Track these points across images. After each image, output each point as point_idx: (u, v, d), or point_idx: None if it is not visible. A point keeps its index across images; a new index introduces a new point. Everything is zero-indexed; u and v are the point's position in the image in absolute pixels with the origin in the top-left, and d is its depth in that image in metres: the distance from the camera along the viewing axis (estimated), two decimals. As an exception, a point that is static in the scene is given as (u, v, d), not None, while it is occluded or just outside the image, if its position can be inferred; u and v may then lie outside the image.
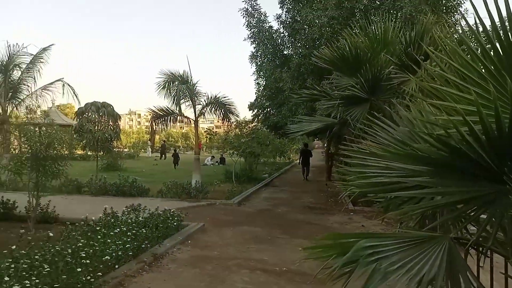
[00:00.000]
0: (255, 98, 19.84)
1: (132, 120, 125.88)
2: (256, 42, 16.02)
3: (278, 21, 15.77)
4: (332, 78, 8.27)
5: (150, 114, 16.10)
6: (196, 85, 14.68)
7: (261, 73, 17.25)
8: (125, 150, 41.30)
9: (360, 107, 7.16)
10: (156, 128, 15.26)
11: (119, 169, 21.82)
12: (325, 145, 44.20)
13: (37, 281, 4.13)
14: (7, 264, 4.46)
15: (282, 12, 15.67)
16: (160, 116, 14.84)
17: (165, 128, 15.76)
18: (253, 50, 16.66)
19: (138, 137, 72.75)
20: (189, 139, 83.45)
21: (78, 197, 12.61)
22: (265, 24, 16.00)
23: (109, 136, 17.92)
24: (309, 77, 13.10)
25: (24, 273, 4.35)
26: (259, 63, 16.87)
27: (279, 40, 16.15)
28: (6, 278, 4.08)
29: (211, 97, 14.97)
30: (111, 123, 22.47)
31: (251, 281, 5.59)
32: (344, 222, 10.26)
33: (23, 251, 4.87)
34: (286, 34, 15.59)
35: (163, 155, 35.43)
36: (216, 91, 18.24)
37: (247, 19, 15.94)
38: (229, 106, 15.25)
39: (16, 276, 4.23)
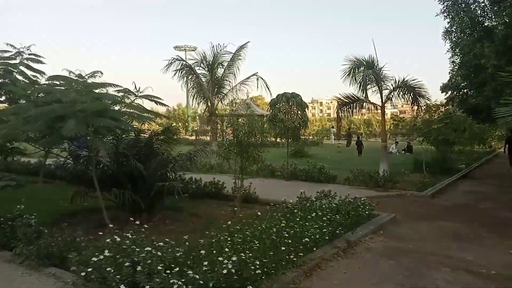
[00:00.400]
0: (448, 78, 17.83)
1: (315, 109, 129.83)
2: (451, 16, 14.32)
3: None
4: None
5: (331, 102, 16.43)
6: (382, 69, 14.15)
7: (457, 50, 15.36)
8: (310, 137, 42.99)
9: None
10: (342, 115, 15.38)
11: (306, 155, 22.87)
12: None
13: (250, 254, 4.70)
14: (225, 237, 5.22)
15: None
16: (346, 103, 14.88)
17: (350, 115, 15.75)
18: (447, 26, 14.96)
19: (321, 124, 74.67)
20: (372, 125, 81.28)
21: (272, 181, 13.83)
22: (461, -6, 14.16)
23: (298, 124, 19.05)
24: (519, 51, 11.03)
25: (238, 246, 4.99)
26: (454, 39, 15.07)
27: (479, 11, 14.05)
28: (226, 250, 4.77)
29: (398, 81, 14.19)
30: (299, 112, 23.91)
31: (454, 281, 5.16)
32: None
33: (237, 227, 5.62)
34: (488, 3, 13.42)
35: (349, 143, 35.42)
36: (404, 74, 17.13)
37: (440, -8, 14.41)
38: (419, 89, 14.18)
39: (232, 248, 4.89)
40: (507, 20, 11.62)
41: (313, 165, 14.01)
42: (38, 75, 13.47)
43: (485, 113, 16.18)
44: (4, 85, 12.51)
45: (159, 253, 4.42)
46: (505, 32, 11.75)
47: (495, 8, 12.59)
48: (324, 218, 6.59)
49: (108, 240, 4.74)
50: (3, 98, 12.94)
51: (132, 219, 5.57)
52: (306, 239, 5.70)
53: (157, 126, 12.62)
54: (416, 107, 14.98)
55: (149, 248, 4.46)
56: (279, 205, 7.28)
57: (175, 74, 22.24)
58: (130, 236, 4.83)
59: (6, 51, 13.17)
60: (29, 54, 13.42)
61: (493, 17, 13.36)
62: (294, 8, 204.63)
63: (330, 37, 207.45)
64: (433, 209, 9.90)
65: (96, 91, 7.65)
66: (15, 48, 13.28)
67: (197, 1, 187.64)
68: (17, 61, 13.22)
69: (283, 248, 5.12)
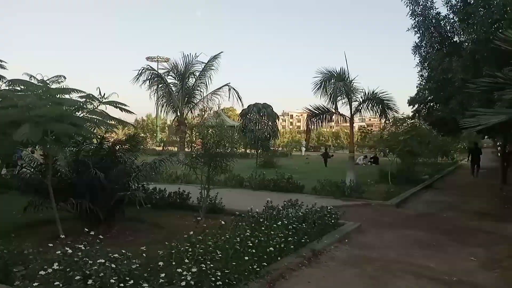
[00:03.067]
0: (416, 92, 18.31)
1: (285, 121, 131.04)
2: (421, 31, 14.75)
3: (447, 6, 14.25)
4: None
5: (301, 115, 16.57)
6: (353, 81, 14.46)
7: (426, 64, 15.81)
8: (279, 148, 43.19)
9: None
10: (311, 126, 15.49)
11: (275, 166, 22.91)
12: (498, 144, 38.43)
13: (211, 265, 4.53)
14: (186, 247, 5.02)
15: None
16: (316, 115, 15.03)
17: (320, 127, 15.91)
18: (417, 40, 15.41)
19: (290, 136, 75.37)
20: (340, 138, 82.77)
21: (240, 191, 13.69)
22: (431, 10, 14.61)
23: (268, 135, 19.11)
24: (485, 65, 11.43)
25: (200, 257, 4.81)
26: (423, 54, 15.51)
27: (448, 27, 14.54)
28: (186, 260, 4.58)
29: (368, 93, 14.52)
30: (270, 123, 24.02)
31: (417, 289, 5.16)
32: (528, 233, 8.71)
33: (199, 237, 5.43)
34: (457, 19, 13.90)
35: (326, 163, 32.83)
36: (374, 87, 17.49)
37: (411, 8, 14.82)
38: (388, 102, 14.54)
39: (193, 259, 4.71)
40: (475, 36, 12.03)
41: (281, 175, 13.98)
42: (-3, 80, 12.85)
43: (450, 126, 16.62)
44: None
45: (113, 265, 4.17)
46: (473, 47, 12.17)
47: (464, 25, 13.02)
48: (290, 227, 6.50)
49: (59, 252, 4.44)
50: None
51: (87, 230, 5.27)
52: (270, 248, 5.58)
53: (124, 136, 12.25)
54: (384, 120, 15.28)
55: (103, 260, 4.19)
56: (245, 214, 7.13)
57: (144, 83, 21.91)
58: (83, 248, 4.55)
59: (-41, 55, 12.53)
60: (-14, 58, 12.80)
61: (461, 33, 13.83)
62: (268, 21, 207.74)
63: (303, 50, 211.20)
64: (398, 218, 10.03)
65: (58, 96, 7.34)
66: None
67: (170, 14, 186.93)
68: (-28, 65, 12.58)
69: (246, 258, 4.98)
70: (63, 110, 6.78)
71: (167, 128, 57.39)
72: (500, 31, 7.99)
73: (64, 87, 8.20)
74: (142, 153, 9.35)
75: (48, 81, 8.27)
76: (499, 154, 28.36)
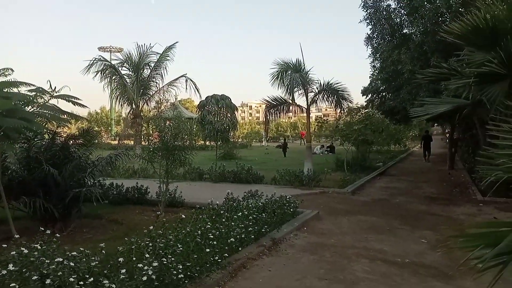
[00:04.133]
0: (369, 82, 18.98)
1: (244, 112, 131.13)
2: (373, 23, 15.24)
3: (393, 0, 14.83)
4: (463, 54, 7.48)
5: (260, 106, 16.69)
6: (309, 72, 14.72)
7: (377, 55, 16.39)
8: (239, 140, 43.22)
9: (498, 85, 6.37)
10: (270, 117, 15.66)
11: (235, 157, 23.00)
12: (447, 131, 40.63)
13: (172, 259, 4.54)
14: (146, 242, 4.99)
15: None
16: (274, 106, 15.19)
17: (278, 118, 16.11)
18: (369, 32, 15.91)
19: (250, 127, 75.58)
20: (297, 128, 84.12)
21: (200, 183, 13.65)
22: (382, 3, 15.11)
23: (227, 126, 19.07)
24: (433, 56, 12.04)
25: (160, 251, 4.79)
26: (375, 45, 16.05)
27: (398, 19, 15.12)
28: (147, 255, 4.56)
29: (323, 84, 14.84)
30: (228, 115, 23.95)
31: (372, 271, 5.43)
32: (472, 214, 9.35)
33: (159, 231, 5.41)
34: (405, 12, 14.48)
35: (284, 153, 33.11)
36: (328, 78, 17.90)
37: (363, 0, 15.28)
38: (342, 92, 14.94)
39: (154, 253, 4.69)
40: (422, 28, 12.58)
41: (241, 167, 14.08)
42: None
43: (401, 115, 17.44)
44: None
45: (72, 264, 4.08)
46: (421, 39, 12.73)
47: (412, 18, 13.58)
48: (250, 218, 6.60)
49: (13, 253, 4.28)
50: None
51: (43, 229, 5.10)
52: (231, 239, 5.66)
53: (77, 130, 11.84)
54: (339, 110, 15.72)
55: (60, 259, 4.09)
56: (205, 207, 7.15)
57: (96, 75, 21.13)
58: (39, 247, 4.40)
59: None
60: None
61: (410, 25, 14.41)
62: (225, 10, 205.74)
63: (260, 41, 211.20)
64: (353, 205, 10.43)
65: (5, 90, 6.99)
66: None
67: (122, 2, 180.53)
68: None
69: (207, 250, 5.02)
70: (11, 104, 6.46)
71: (122, 121, 55.82)
72: (446, 23, 8.42)
73: (12, 80, 7.84)
74: (97, 148, 9.08)
75: (-6, 76, 7.86)
76: (447, 141, 30.00)
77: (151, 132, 11.82)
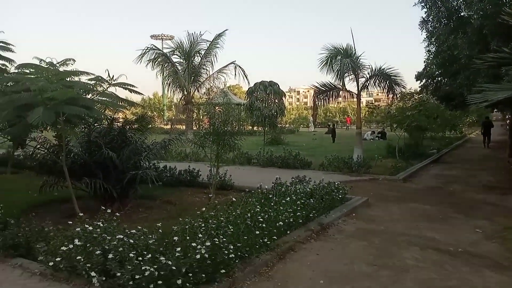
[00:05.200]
0: (423, 67, 18.14)
1: (292, 97, 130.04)
2: (428, 5, 14.48)
3: None
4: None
5: (308, 91, 16.52)
6: (359, 57, 14.36)
7: (433, 39, 15.59)
8: (286, 125, 43.10)
9: None
10: (318, 103, 15.49)
11: (282, 143, 23.01)
12: (507, 117, 38.05)
13: (223, 239, 4.70)
14: (199, 223, 5.20)
15: None
16: (323, 92, 14.98)
17: (327, 103, 15.90)
18: (424, 15, 15.16)
19: (297, 113, 75.02)
20: (347, 113, 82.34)
21: (248, 168, 13.87)
22: (438, -16, 14.30)
23: (275, 112, 19.12)
24: (493, 40, 11.27)
25: (212, 231, 4.97)
26: (430, 29, 15.27)
27: (455, 2, 14.25)
28: (200, 235, 4.76)
29: (375, 69, 14.42)
30: (276, 101, 23.97)
31: (423, 259, 5.31)
32: (534, 205, 8.81)
33: (211, 213, 5.61)
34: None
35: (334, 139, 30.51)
36: (381, 63, 17.33)
37: (417, -18, 14.55)
38: (395, 77, 14.44)
39: (206, 234, 4.88)
40: (482, 12, 11.80)
41: (289, 152, 14.11)
42: (7, 63, 13.00)
43: (458, 100, 16.56)
44: (-32, 74, 12.00)
45: (131, 241, 4.37)
46: (480, 22, 11.96)
47: (469, 1, 12.75)
48: (298, 202, 6.66)
49: (78, 229, 4.64)
50: None
51: (103, 207, 5.47)
52: (280, 223, 5.75)
53: (132, 115, 12.41)
54: (391, 95, 15.24)
55: (121, 236, 4.39)
56: (254, 191, 7.30)
57: (148, 64, 21.84)
58: (101, 225, 4.74)
59: (-30, 39, 12.62)
60: (-4, 42, 12.90)
61: (468, 8, 13.55)
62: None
63: (309, 26, 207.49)
64: (405, 192, 10.16)
65: (68, 79, 7.47)
66: (-20, 36, 12.74)
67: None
68: (-18, 49, 12.70)
69: (257, 232, 5.16)
70: (74, 93, 6.89)
71: (173, 106, 57.52)
72: (508, 5, 7.84)
73: (74, 69, 8.35)
74: (151, 132, 9.48)
75: (57, 64, 8.41)
76: (508, 127, 28.17)
77: (201, 117, 12.14)
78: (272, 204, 6.39)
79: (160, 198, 8.53)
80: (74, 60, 8.91)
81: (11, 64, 12.91)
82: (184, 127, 24.87)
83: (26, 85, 6.75)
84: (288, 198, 6.82)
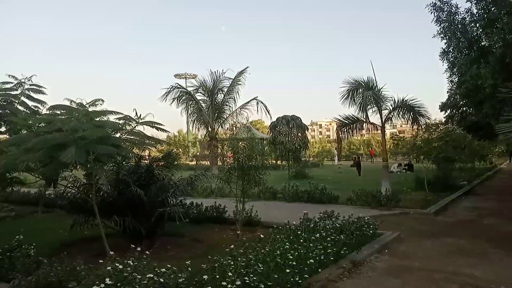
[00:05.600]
0: (447, 97, 17.98)
1: (314, 131, 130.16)
2: (448, 36, 14.55)
3: (468, 14, 14.12)
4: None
5: (330, 124, 16.50)
6: (381, 90, 14.34)
7: (455, 69, 15.54)
8: (310, 159, 42.85)
9: None
10: (342, 136, 15.42)
11: (307, 176, 22.80)
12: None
13: (254, 278, 4.60)
14: (228, 261, 5.12)
15: (472, 5, 14.03)
16: (346, 124, 14.96)
17: (351, 136, 15.80)
18: (444, 46, 15.20)
19: (320, 146, 74.66)
20: (371, 145, 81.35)
21: (274, 203, 13.72)
22: (456, 16, 14.42)
23: (298, 146, 19.14)
24: (516, 68, 11.17)
25: (242, 270, 4.89)
26: (451, 59, 15.26)
27: (474, 33, 14.30)
28: (229, 274, 4.68)
29: (398, 101, 14.35)
30: (299, 134, 24.02)
31: (464, 298, 5.04)
32: None
33: (240, 250, 5.53)
34: (483, 24, 13.65)
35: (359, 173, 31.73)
36: (403, 94, 17.26)
37: (435, 14, 14.69)
38: (418, 108, 14.31)
39: (236, 272, 4.80)
40: (502, 41, 11.77)
41: (315, 186, 13.94)
42: (39, 105, 13.63)
43: (485, 130, 16.27)
44: (4, 116, 12.61)
45: (161, 280, 4.34)
46: (502, 51, 11.90)
47: (489, 31, 12.77)
48: (328, 239, 6.51)
49: (109, 268, 4.64)
50: (3, 129, 13.02)
51: (133, 246, 5.48)
52: (310, 260, 5.60)
53: (157, 152, 12.65)
54: (416, 126, 15.05)
55: (151, 275, 4.37)
56: (282, 227, 7.19)
57: (173, 102, 22.48)
58: (131, 263, 4.74)
59: (7, 82, 13.35)
60: (30, 85, 13.61)
61: (488, 37, 13.57)
62: (294, 30, 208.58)
63: (329, 59, 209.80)
64: (437, 226, 9.79)
65: (97, 119, 7.73)
66: (16, 79, 13.47)
67: (195, 31, 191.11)
68: (18, 92, 13.38)
69: (287, 270, 5.03)
70: (104, 132, 7.11)
71: (198, 143, 58.30)
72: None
73: (103, 109, 8.66)
74: (177, 169, 9.58)
75: (87, 105, 8.75)
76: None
77: (225, 152, 12.23)
78: (302, 240, 6.27)
79: (188, 235, 8.50)
80: (102, 101, 9.28)
81: (43, 106, 13.53)
82: (208, 163, 25.11)
83: (57, 125, 7.02)
84: (318, 234, 6.68)
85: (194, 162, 44.57)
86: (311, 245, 6.10)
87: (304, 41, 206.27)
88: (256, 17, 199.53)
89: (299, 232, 6.80)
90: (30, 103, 13.63)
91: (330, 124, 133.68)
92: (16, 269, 5.48)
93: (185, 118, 25.74)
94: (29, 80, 13.59)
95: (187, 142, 67.79)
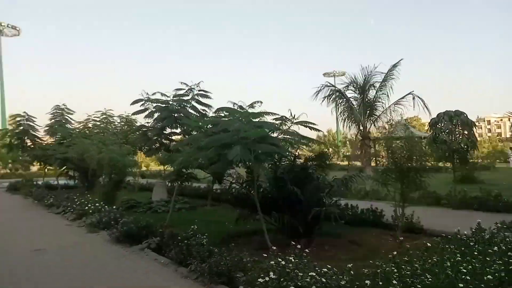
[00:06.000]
0: None
1: (481, 128, 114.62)
2: None
3: None
4: None
5: (501, 120, 14.22)
6: None
7: None
8: (479, 160, 37.72)
9: None
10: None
11: (476, 181, 20.19)
12: None
13: (421, 288, 4.24)
14: (392, 268, 4.84)
15: None
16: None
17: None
18: None
19: (490, 145, 65.35)
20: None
21: (437, 209, 12.51)
22: None
23: (464, 145, 17.05)
24: None
25: (407, 279, 4.56)
26: None
27: None
28: (394, 282, 4.41)
29: None
30: (465, 132, 21.45)
31: None
32: None
33: (405, 258, 5.18)
34: None
35: None
36: None
37: None
38: None
39: (401, 281, 4.49)
40: None
41: (488, 192, 12.22)
42: (206, 108, 15.38)
43: None
44: (179, 119, 14.61)
45: (323, 279, 4.36)
46: None
47: None
48: (509, 253, 5.59)
49: (272, 262, 4.88)
50: (179, 130, 15.11)
51: (293, 243, 5.66)
52: (488, 276, 4.89)
53: (308, 152, 12.88)
54: None
55: (313, 274, 4.43)
56: (450, 236, 6.49)
57: (323, 101, 22.61)
58: (292, 260, 4.90)
59: (180, 89, 15.42)
60: (198, 91, 15.45)
61: None
62: (449, 22, 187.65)
63: (499, 42, 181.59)
64: None
65: (256, 119, 8.27)
66: (187, 86, 15.45)
67: (341, 28, 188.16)
68: (189, 97, 15.35)
69: (461, 285, 4.50)
70: (264, 132, 7.54)
71: (348, 142, 57.54)
72: None
73: (261, 111, 9.20)
74: (330, 169, 9.55)
75: (246, 107, 9.42)
76: None
77: (380, 153, 11.67)
78: (476, 253, 5.53)
79: (345, 237, 8.39)
80: (261, 102, 9.86)
81: (209, 109, 15.21)
82: (360, 163, 24.49)
83: (223, 126, 7.74)
84: (496, 247, 5.80)
85: (345, 162, 44.04)
86: (487, 259, 5.34)
87: (463, 27, 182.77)
88: (406, 6, 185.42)
89: (471, 244, 6.03)
90: (199, 106, 15.47)
91: (501, 120, 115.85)
92: (192, 255, 6.23)
93: (335, 117, 25.63)
94: (197, 86, 15.42)
95: (337, 142, 67.53)
